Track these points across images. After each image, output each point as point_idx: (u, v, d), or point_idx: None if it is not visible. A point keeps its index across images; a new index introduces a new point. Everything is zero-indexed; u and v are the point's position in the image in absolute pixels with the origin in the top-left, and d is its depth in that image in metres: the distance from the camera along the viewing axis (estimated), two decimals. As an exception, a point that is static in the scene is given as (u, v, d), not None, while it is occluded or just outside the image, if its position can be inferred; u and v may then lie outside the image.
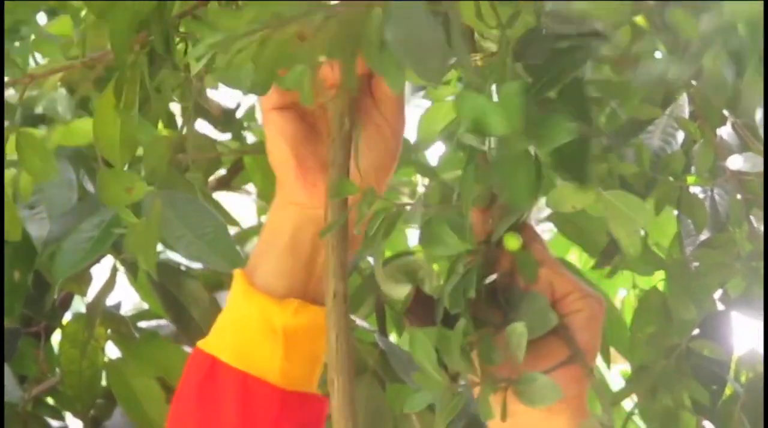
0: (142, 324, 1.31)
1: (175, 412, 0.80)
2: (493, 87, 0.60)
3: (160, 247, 1.13)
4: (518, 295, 0.71)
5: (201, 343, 0.77)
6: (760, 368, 1.27)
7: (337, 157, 0.69)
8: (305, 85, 0.55)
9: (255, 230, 1.40)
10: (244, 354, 0.73)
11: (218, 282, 1.26)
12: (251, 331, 0.73)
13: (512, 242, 0.68)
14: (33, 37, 1.12)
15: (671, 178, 1.13)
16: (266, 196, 1.31)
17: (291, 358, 0.73)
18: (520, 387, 0.63)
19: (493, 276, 0.70)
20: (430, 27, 0.51)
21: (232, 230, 1.25)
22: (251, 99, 1.26)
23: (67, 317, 1.31)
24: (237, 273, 0.75)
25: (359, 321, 1.28)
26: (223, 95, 1.39)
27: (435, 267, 1.37)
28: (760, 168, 1.17)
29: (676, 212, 1.20)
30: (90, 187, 1.18)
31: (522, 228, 0.70)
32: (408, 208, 0.67)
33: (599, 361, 1.33)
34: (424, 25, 0.50)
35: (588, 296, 0.72)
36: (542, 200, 0.76)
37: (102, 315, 1.21)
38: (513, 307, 0.71)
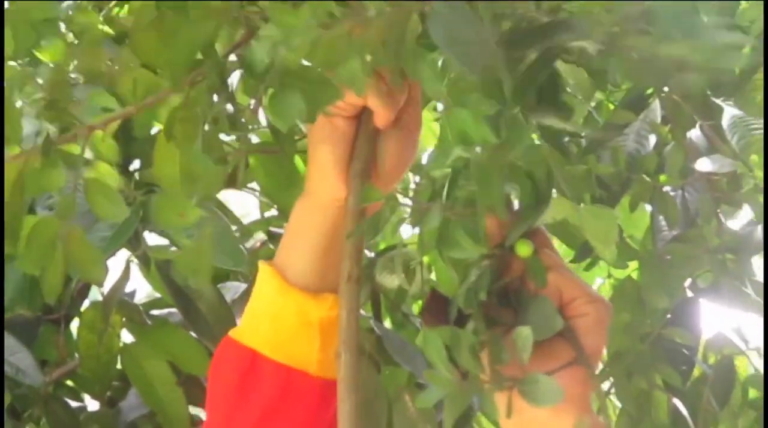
0: (154, 312, 1.33)
1: (218, 403, 0.79)
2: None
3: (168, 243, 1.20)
4: (527, 298, 0.71)
5: (236, 335, 0.76)
6: (727, 351, 1.30)
7: (361, 153, 0.71)
8: (358, 79, 0.55)
9: (258, 225, 1.45)
10: (284, 347, 0.74)
11: (223, 275, 1.29)
12: (289, 326, 0.74)
13: (524, 249, 0.68)
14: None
15: (645, 178, 1.19)
16: (269, 192, 1.36)
17: (327, 350, 0.73)
18: (524, 386, 0.63)
19: (505, 280, 0.70)
20: (473, 24, 0.52)
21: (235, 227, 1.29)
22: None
23: (85, 305, 1.34)
24: (267, 269, 0.75)
25: (356, 309, 1.35)
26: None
27: (426, 259, 1.37)
28: (728, 168, 1.20)
29: (649, 209, 1.25)
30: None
31: (534, 233, 0.70)
32: (407, 206, 0.68)
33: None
34: (468, 23, 0.51)
35: (595, 301, 0.71)
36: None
37: (117, 303, 1.23)
38: (522, 310, 0.71)
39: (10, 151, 0.63)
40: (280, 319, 0.74)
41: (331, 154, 0.72)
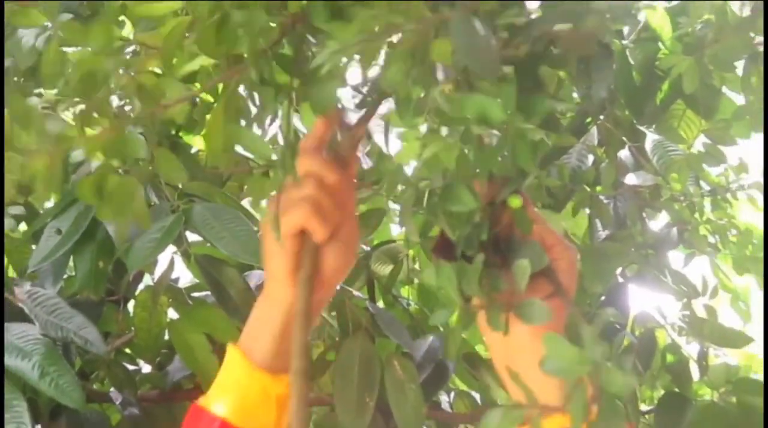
0: (194, 294, 1.43)
1: None
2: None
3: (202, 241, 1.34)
4: (517, 243, 0.78)
5: (205, 405, 0.81)
6: (650, 325, 1.47)
7: (305, 264, 0.78)
8: (400, 79, 0.62)
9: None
10: (248, 417, 0.81)
11: (248, 267, 1.38)
12: (253, 400, 0.81)
13: (515, 201, 0.76)
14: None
15: (585, 188, 1.37)
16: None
17: (281, 420, 0.81)
18: (521, 309, 0.69)
19: (496, 230, 0.77)
20: (482, 35, 0.58)
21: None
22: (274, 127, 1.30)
23: (139, 289, 1.45)
24: (236, 352, 0.82)
25: (355, 292, 1.43)
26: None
27: (411, 252, 1.55)
28: (650, 182, 1.37)
29: (588, 213, 1.42)
30: (153, 198, 1.35)
31: (520, 193, 0.77)
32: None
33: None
34: (478, 35, 0.57)
35: (569, 248, 0.79)
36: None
37: (165, 288, 1.35)
38: (513, 252, 0.77)
39: (100, 124, 0.71)
40: (246, 394, 0.81)
41: (282, 266, 0.79)
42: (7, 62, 1.05)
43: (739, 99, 1.29)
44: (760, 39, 1.01)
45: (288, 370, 0.74)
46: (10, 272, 1.49)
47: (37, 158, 0.69)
